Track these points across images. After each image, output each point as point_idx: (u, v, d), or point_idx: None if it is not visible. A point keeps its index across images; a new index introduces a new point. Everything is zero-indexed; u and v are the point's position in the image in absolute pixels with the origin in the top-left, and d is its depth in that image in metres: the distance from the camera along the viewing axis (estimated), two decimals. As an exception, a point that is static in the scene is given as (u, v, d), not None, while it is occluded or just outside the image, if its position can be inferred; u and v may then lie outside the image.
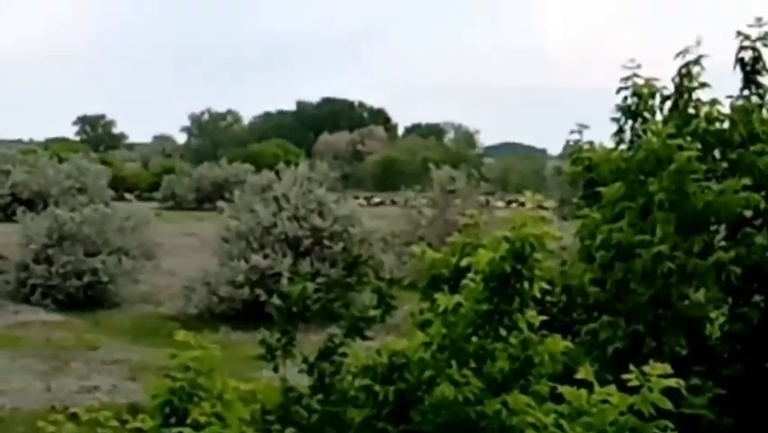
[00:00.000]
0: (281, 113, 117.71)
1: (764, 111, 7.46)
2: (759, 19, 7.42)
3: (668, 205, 6.76)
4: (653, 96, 7.54)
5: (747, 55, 7.47)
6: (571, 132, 7.89)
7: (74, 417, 6.89)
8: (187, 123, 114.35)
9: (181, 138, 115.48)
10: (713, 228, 7.03)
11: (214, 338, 9.01)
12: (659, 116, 7.55)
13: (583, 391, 5.37)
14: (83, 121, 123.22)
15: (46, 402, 15.61)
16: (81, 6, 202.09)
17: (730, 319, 6.96)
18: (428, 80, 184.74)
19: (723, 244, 6.99)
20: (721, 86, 7.55)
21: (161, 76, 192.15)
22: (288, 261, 23.79)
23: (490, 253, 5.60)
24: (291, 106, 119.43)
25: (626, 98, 7.58)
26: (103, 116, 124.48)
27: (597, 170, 7.49)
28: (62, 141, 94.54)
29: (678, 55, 7.42)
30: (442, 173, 32.53)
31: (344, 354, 6.26)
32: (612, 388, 5.32)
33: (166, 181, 60.96)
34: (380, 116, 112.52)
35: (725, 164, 7.30)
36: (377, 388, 5.82)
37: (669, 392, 5.25)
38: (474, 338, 5.67)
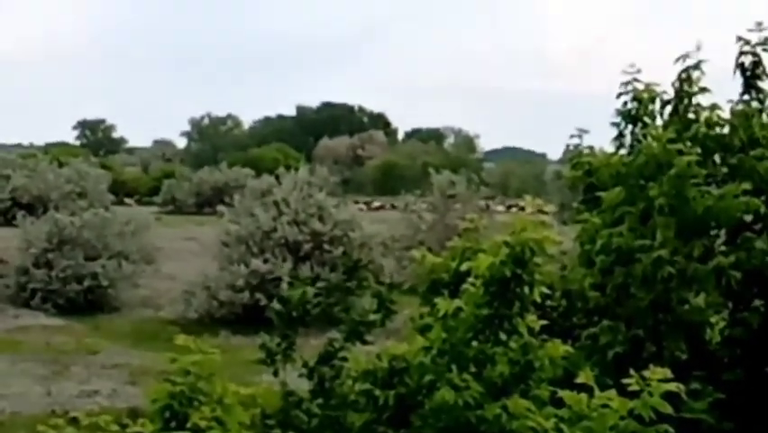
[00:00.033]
0: (281, 117, 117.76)
1: (764, 116, 7.47)
2: (759, 24, 7.43)
3: (668, 209, 6.76)
4: (653, 100, 7.55)
5: (747, 60, 7.48)
6: (571, 136, 7.91)
7: (74, 421, 6.89)
8: (188, 127, 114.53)
9: (181, 142, 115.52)
10: (713, 233, 7.04)
11: (214, 343, 8.99)
12: (659, 121, 7.55)
13: (583, 396, 5.37)
14: (83, 125, 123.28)
15: (46, 406, 15.63)
16: (81, 7, 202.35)
17: (730, 324, 6.96)
18: (428, 81, 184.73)
19: (723, 248, 6.99)
20: (721, 90, 7.57)
21: (161, 78, 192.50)
22: (288, 265, 23.78)
23: (490, 258, 5.61)
24: (291, 109, 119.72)
25: (626, 103, 7.58)
26: (103, 121, 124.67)
27: (597, 175, 7.49)
28: (62, 145, 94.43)
29: (678, 60, 7.43)
30: (442, 178, 32.49)
31: (344, 359, 6.26)
32: (612, 392, 5.31)
33: (166, 186, 60.89)
34: (380, 121, 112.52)
35: (725, 169, 7.31)
36: (377, 392, 5.83)
37: (669, 397, 5.24)
38: (474, 343, 5.67)
